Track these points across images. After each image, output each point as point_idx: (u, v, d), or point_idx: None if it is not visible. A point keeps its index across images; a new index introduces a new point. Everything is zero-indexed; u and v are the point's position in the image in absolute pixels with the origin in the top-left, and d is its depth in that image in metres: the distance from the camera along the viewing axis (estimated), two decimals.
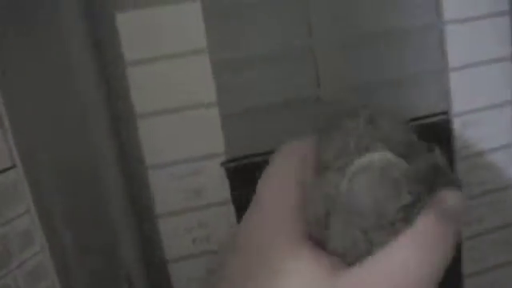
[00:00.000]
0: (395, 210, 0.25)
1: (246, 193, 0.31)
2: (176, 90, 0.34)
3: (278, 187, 0.29)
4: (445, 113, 0.36)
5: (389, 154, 0.26)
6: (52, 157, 0.32)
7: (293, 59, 0.35)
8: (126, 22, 0.32)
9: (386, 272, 0.25)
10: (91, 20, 0.32)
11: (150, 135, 0.34)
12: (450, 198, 0.26)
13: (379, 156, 0.26)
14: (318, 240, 0.27)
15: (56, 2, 0.31)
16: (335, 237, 0.26)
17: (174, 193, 0.35)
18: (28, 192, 0.31)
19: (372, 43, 0.35)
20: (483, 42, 0.36)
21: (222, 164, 0.35)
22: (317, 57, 0.35)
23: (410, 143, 0.28)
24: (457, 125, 0.36)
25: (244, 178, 0.35)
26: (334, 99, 0.35)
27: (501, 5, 0.35)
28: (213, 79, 0.34)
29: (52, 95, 0.32)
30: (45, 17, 0.31)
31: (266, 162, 0.30)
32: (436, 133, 0.36)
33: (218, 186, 0.35)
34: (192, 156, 0.34)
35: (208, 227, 0.35)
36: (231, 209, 0.35)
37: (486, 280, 0.39)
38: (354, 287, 0.25)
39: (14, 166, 0.31)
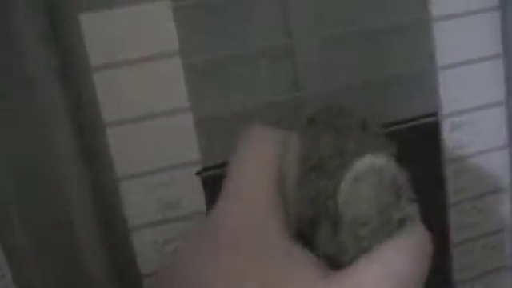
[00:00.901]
0: (397, 219, 0.24)
1: None
2: (146, 96, 0.32)
3: (259, 178, 0.26)
4: (434, 114, 0.35)
5: (389, 159, 0.25)
6: (14, 171, 0.30)
7: (270, 61, 0.33)
8: (91, 24, 0.30)
9: (375, 277, 0.23)
10: (53, 22, 0.30)
11: (121, 145, 0.32)
12: None
13: (382, 161, 0.24)
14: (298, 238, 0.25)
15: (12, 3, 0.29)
16: (323, 239, 0.25)
17: (148, 204, 0.33)
18: None
19: (356, 42, 0.33)
20: (473, 39, 0.34)
21: (198, 173, 0.33)
22: (296, 58, 0.33)
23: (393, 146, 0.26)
24: (446, 127, 0.35)
25: (221, 187, 0.33)
26: (315, 101, 0.33)
27: (491, 0, 0.33)
28: (185, 83, 0.32)
29: (12, 104, 0.30)
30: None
31: None
32: (425, 135, 0.34)
33: (194, 197, 0.33)
34: (165, 165, 0.33)
35: None
36: None
37: (476, 286, 0.38)
38: None
39: None
